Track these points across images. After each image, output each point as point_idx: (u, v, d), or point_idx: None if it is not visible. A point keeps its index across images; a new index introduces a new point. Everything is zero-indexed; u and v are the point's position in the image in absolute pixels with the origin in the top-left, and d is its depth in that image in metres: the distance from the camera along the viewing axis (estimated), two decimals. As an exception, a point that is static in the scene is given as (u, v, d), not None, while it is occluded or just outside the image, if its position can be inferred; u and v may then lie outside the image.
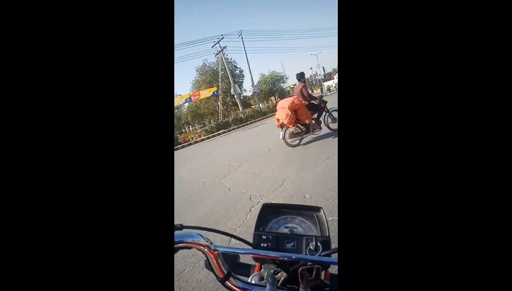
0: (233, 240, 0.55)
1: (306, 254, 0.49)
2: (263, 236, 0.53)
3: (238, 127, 14.77)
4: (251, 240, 0.53)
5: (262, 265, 0.55)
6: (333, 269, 0.57)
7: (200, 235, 0.48)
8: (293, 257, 0.47)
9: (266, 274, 0.50)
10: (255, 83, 23.80)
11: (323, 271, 0.56)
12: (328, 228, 0.56)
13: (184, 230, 0.47)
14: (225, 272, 0.47)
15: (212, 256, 0.48)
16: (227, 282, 0.48)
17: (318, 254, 0.48)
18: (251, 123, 15.50)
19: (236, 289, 0.49)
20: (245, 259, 0.56)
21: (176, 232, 0.45)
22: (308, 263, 0.46)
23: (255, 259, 0.52)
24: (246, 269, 0.57)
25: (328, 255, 0.49)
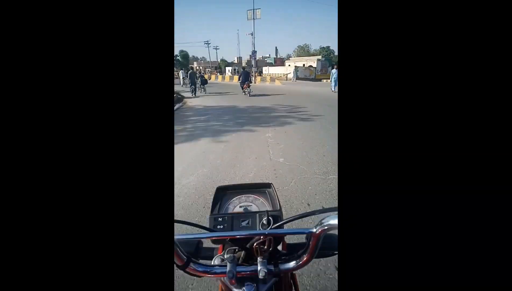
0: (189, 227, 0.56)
1: (259, 229, 0.50)
2: (219, 218, 0.54)
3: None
4: (207, 225, 0.54)
5: (224, 247, 0.56)
6: (290, 240, 0.58)
7: None
8: (248, 233, 0.49)
9: (225, 254, 0.51)
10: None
11: (281, 243, 0.57)
12: (279, 201, 0.58)
13: None
14: (185, 259, 0.47)
15: None
16: (187, 269, 0.48)
17: (270, 227, 0.50)
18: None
19: (198, 273, 0.49)
20: (208, 244, 0.57)
21: None
22: (261, 237, 0.47)
23: (214, 241, 0.53)
24: (209, 252, 0.58)
25: (280, 227, 0.50)
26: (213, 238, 0.50)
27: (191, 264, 0.48)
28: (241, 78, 11.88)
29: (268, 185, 0.63)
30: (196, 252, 0.55)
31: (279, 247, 0.59)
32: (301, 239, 0.50)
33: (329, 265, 1.52)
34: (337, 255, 0.42)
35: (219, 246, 0.59)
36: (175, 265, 0.50)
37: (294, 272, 0.64)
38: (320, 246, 0.48)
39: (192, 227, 0.53)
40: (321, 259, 1.52)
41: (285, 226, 0.52)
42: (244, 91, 11.44)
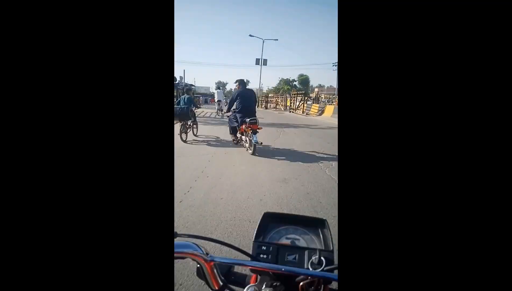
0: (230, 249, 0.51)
1: (308, 268, 0.47)
2: (263, 247, 0.50)
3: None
4: (250, 251, 0.50)
5: (259, 276, 0.52)
6: (335, 285, 0.54)
7: (195, 244, 0.45)
8: (294, 270, 0.45)
9: (263, 286, 0.47)
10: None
11: (323, 286, 0.54)
12: (332, 242, 0.53)
13: (178, 238, 0.44)
14: (221, 283, 0.45)
15: (207, 266, 0.45)
16: None
17: (321, 268, 0.45)
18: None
19: None
20: (242, 268, 0.54)
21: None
22: (309, 277, 0.43)
23: (253, 270, 0.49)
24: (241, 279, 0.54)
25: (331, 271, 0.46)
26: (257, 268, 0.46)
27: (226, 290, 0.45)
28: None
29: (321, 221, 0.58)
30: (227, 274, 0.51)
31: None
32: None
33: None
34: None
35: (253, 275, 0.54)
36: (209, 289, 0.46)
37: None
38: None
39: (230, 249, 0.49)
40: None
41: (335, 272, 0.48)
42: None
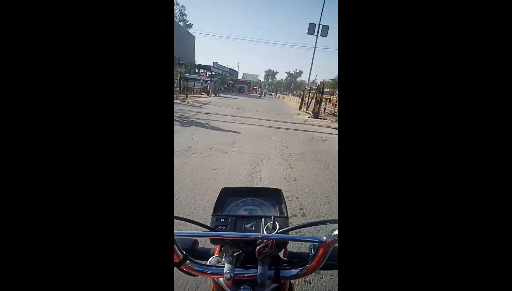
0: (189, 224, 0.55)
1: (264, 233, 0.49)
2: (221, 219, 0.53)
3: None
4: (209, 224, 0.53)
5: (222, 248, 0.55)
6: (292, 246, 0.55)
7: None
8: (252, 235, 0.48)
9: (224, 255, 0.50)
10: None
11: (282, 249, 0.54)
12: (286, 208, 0.56)
13: None
14: (181, 256, 0.46)
15: None
16: (183, 266, 0.47)
17: (275, 232, 0.48)
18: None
19: (193, 272, 0.49)
20: (204, 244, 0.56)
21: None
22: (264, 240, 0.45)
23: (213, 241, 0.51)
24: (205, 253, 0.57)
25: (286, 233, 0.48)
26: (214, 237, 0.49)
27: (187, 262, 0.48)
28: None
29: (276, 190, 0.62)
30: (191, 250, 0.54)
31: (281, 254, 0.56)
32: (304, 249, 0.46)
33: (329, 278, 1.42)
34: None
35: (217, 247, 0.58)
36: None
37: (292, 282, 0.61)
38: (327, 257, 0.45)
39: (192, 224, 0.52)
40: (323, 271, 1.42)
41: (291, 234, 0.50)
42: None
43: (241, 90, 30.42)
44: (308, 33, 16.74)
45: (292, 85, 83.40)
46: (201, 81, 18.45)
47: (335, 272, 1.43)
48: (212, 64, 29.13)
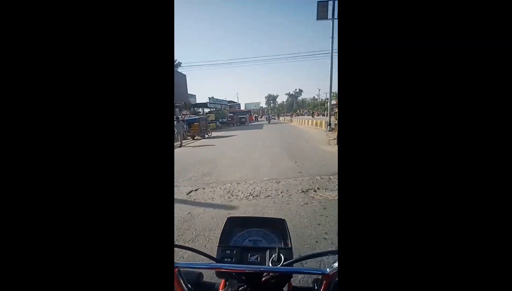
0: (195, 255, 0.56)
1: (269, 266, 0.49)
2: (227, 250, 0.53)
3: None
4: (214, 255, 0.53)
5: (227, 282, 0.54)
6: (295, 280, 0.53)
7: None
8: (257, 268, 0.47)
9: (229, 290, 0.49)
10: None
11: (286, 284, 0.53)
12: (290, 239, 0.56)
13: None
14: (186, 289, 0.47)
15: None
16: None
17: (280, 264, 0.47)
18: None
19: None
20: (209, 277, 0.57)
21: None
22: (270, 274, 0.45)
23: (219, 274, 0.51)
24: (210, 287, 0.56)
25: (289, 265, 0.48)
26: (220, 269, 0.49)
27: None
28: None
29: (280, 221, 0.61)
30: (196, 284, 0.54)
31: (285, 289, 0.55)
32: (309, 284, 0.45)
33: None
34: None
35: (222, 281, 0.57)
36: None
37: None
38: (332, 289, 0.44)
39: (195, 254, 0.53)
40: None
41: (296, 266, 0.49)
42: None
43: (243, 121, 28.14)
44: (318, 19, 11.74)
45: (294, 105, 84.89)
46: (181, 123, 11.39)
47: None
48: (208, 101, 27.67)
